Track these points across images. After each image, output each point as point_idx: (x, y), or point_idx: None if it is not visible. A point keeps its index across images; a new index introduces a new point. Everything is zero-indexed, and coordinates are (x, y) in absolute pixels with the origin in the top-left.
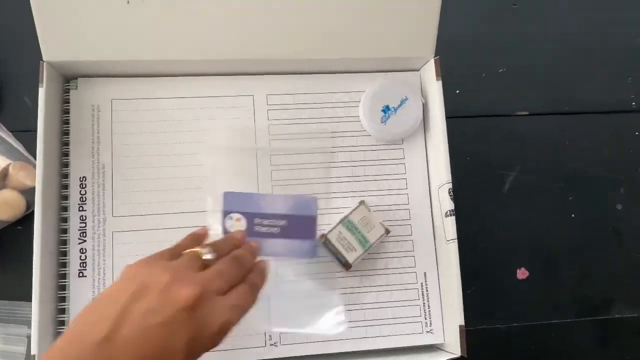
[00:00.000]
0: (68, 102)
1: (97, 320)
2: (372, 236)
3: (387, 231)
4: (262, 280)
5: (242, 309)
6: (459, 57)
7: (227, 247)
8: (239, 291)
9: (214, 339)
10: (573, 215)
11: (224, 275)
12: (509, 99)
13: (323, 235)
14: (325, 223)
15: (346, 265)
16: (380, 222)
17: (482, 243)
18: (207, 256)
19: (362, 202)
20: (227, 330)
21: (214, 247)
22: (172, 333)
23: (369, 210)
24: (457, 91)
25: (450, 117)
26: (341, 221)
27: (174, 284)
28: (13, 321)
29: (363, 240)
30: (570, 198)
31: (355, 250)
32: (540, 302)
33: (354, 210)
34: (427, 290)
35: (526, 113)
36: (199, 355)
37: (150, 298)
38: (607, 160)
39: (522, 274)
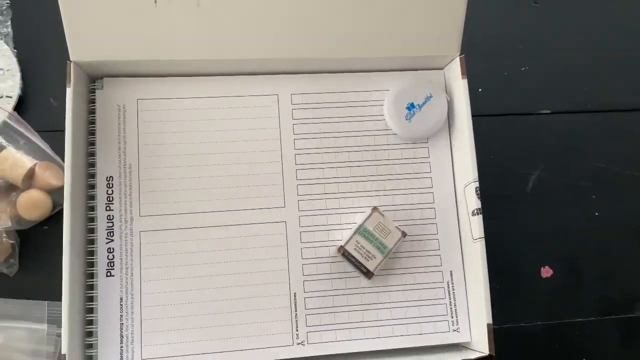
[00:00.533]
0: (94, 102)
1: None
2: (390, 241)
3: (404, 234)
4: None
5: None
6: (480, 55)
7: None
8: None
9: None
10: (597, 214)
11: None
12: (531, 98)
13: (341, 247)
14: (352, 222)
15: (368, 274)
16: (396, 226)
17: (505, 242)
18: None
19: (374, 209)
20: None
21: None
22: None
23: (383, 216)
24: (480, 90)
25: (472, 115)
26: (357, 231)
27: None
28: (41, 320)
29: (381, 247)
30: (594, 196)
31: (375, 258)
32: (565, 300)
33: (367, 218)
34: (453, 289)
35: (549, 111)
36: None
37: None
38: (630, 159)
39: (546, 272)
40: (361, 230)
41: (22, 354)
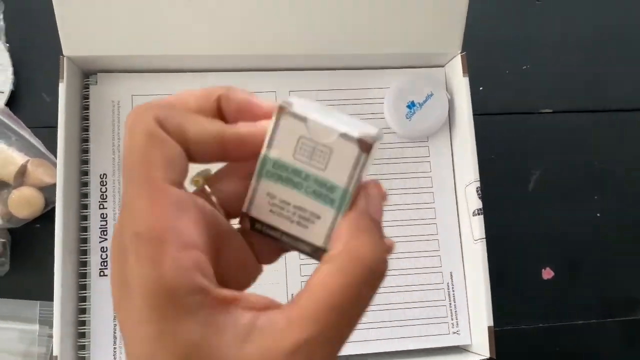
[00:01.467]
0: (87, 98)
1: None
2: (339, 173)
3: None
4: None
5: None
6: (481, 53)
7: None
8: None
9: None
10: (598, 215)
11: None
12: (532, 97)
13: (244, 216)
14: None
15: (316, 253)
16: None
17: (506, 243)
18: None
19: (281, 109)
20: None
21: None
22: None
23: (306, 121)
24: (481, 88)
25: (473, 114)
26: (260, 172)
27: None
28: (33, 321)
29: (324, 190)
30: (595, 197)
31: (319, 218)
32: (566, 302)
33: (273, 132)
34: (453, 291)
35: (550, 111)
36: None
37: None
38: (631, 159)
39: (547, 274)
40: (268, 168)
41: (13, 355)
